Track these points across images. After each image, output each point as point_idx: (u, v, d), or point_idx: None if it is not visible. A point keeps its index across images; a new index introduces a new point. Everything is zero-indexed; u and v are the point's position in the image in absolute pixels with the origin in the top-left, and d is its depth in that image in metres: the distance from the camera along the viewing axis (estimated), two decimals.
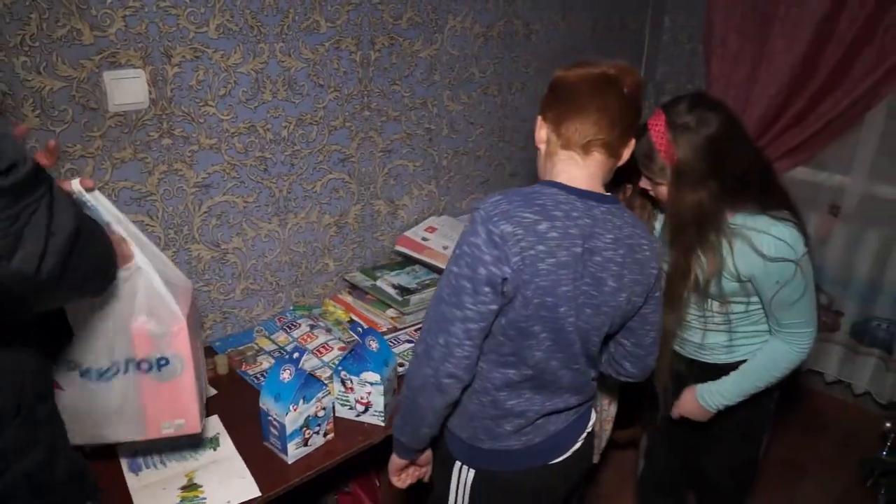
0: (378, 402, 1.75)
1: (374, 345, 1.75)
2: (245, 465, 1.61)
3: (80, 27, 1.59)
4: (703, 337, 1.83)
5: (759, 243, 1.61)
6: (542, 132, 1.39)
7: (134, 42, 1.69)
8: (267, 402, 1.61)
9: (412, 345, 2.11)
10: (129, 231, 1.29)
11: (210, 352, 2.02)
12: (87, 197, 1.22)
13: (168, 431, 1.40)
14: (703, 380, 1.87)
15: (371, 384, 1.73)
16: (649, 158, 1.63)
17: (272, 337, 2.13)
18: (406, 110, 2.39)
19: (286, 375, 1.60)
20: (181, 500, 1.51)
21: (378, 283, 2.29)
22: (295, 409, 1.58)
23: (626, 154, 1.38)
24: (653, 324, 1.49)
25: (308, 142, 2.13)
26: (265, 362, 2.01)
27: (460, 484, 1.50)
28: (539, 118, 1.41)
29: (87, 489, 1.18)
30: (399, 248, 2.48)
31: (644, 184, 1.73)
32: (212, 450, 1.67)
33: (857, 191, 2.97)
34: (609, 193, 1.38)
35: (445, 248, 2.39)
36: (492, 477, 1.48)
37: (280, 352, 2.05)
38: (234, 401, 1.85)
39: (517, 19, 2.66)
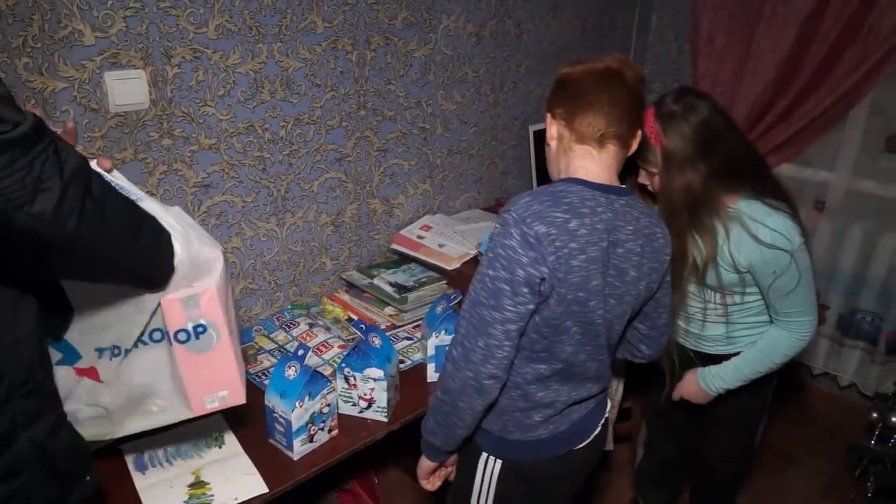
0: (381, 398, 1.77)
1: (377, 341, 1.77)
2: (251, 462, 1.63)
3: (82, 28, 1.59)
4: (703, 328, 1.88)
5: (755, 230, 1.66)
6: (554, 129, 1.42)
7: (135, 43, 1.69)
8: (272, 400, 1.62)
9: (411, 342, 2.13)
10: (149, 207, 1.27)
11: None
12: (108, 177, 1.22)
13: (212, 405, 1.37)
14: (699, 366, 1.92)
15: (374, 380, 1.74)
16: (643, 148, 1.67)
17: (271, 336, 2.14)
18: (401, 110, 2.41)
19: (291, 372, 1.61)
20: (189, 498, 1.51)
21: (375, 281, 2.31)
22: (300, 406, 1.60)
23: (634, 145, 1.42)
24: (665, 306, 1.55)
25: (305, 141, 2.14)
26: (265, 361, 2.02)
27: (486, 475, 1.52)
28: (548, 116, 1.43)
29: (86, 463, 1.19)
30: (395, 246, 2.50)
31: (642, 178, 1.77)
32: (217, 447, 1.68)
33: (842, 186, 3.02)
34: (624, 185, 1.42)
35: (441, 245, 2.42)
36: (518, 466, 1.51)
37: (280, 350, 2.07)
38: None
39: (509, 19, 2.69)
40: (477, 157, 2.80)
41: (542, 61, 2.90)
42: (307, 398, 1.61)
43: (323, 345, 2.07)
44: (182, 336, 1.28)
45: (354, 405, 1.80)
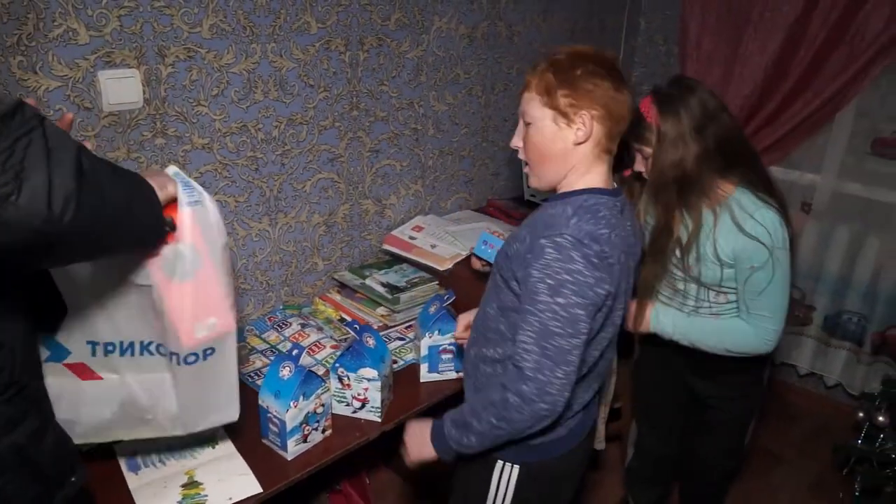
0: (375, 398, 1.77)
1: (370, 341, 1.78)
2: (245, 463, 1.62)
3: (76, 27, 1.59)
4: None
5: (741, 220, 1.68)
6: (584, 129, 1.33)
7: (129, 42, 1.69)
8: (266, 400, 1.62)
9: (403, 342, 2.13)
10: None
11: None
12: None
13: (203, 335, 1.32)
14: (692, 368, 1.95)
15: (368, 380, 1.75)
16: (641, 128, 1.70)
17: (263, 336, 2.14)
18: (393, 111, 2.41)
19: (286, 372, 1.61)
20: (183, 498, 1.51)
21: (367, 281, 2.31)
22: (295, 406, 1.60)
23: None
24: (633, 285, 1.56)
25: (298, 141, 2.14)
26: (258, 361, 2.02)
27: (502, 482, 1.51)
28: (578, 112, 1.32)
29: (72, 464, 1.19)
30: (387, 246, 2.50)
31: (638, 164, 1.78)
32: (210, 447, 1.67)
33: (828, 188, 3.05)
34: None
35: (433, 246, 2.42)
36: (534, 469, 1.50)
37: (272, 350, 2.06)
38: None
39: (500, 21, 2.70)
40: (468, 158, 2.81)
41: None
42: (301, 398, 1.61)
43: (315, 345, 2.07)
44: (160, 262, 1.24)
45: (348, 405, 1.80)
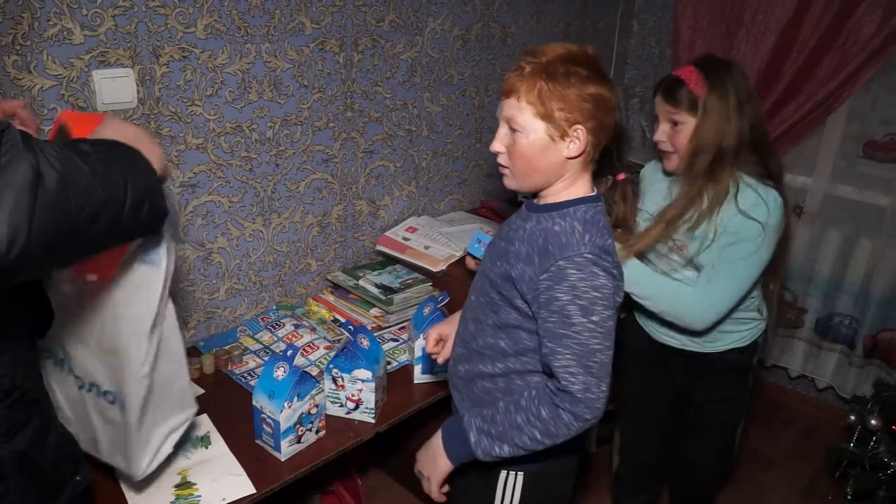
0: (369, 399, 1.77)
1: (365, 342, 1.78)
2: (238, 463, 1.62)
3: (71, 26, 1.59)
4: None
5: (745, 198, 1.70)
6: (578, 143, 1.30)
7: (123, 41, 1.69)
8: (261, 400, 1.62)
9: (397, 343, 2.13)
10: None
11: (195, 351, 2.02)
12: None
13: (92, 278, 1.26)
14: (686, 369, 1.95)
15: (362, 381, 1.75)
16: (676, 88, 1.72)
17: (256, 336, 2.13)
18: (387, 111, 2.42)
19: (280, 373, 1.61)
20: (176, 498, 1.51)
21: (361, 282, 2.31)
22: (289, 407, 1.59)
23: None
24: None
25: (293, 142, 2.14)
26: (251, 361, 2.02)
27: (507, 490, 1.49)
28: (572, 126, 1.29)
29: (76, 463, 1.18)
30: (380, 247, 2.50)
31: (661, 134, 1.79)
32: (203, 448, 1.67)
33: (820, 191, 3.06)
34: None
35: (427, 247, 2.42)
36: (536, 473, 1.48)
37: (266, 351, 2.06)
38: (222, 400, 1.85)
39: (494, 22, 2.71)
40: (462, 159, 2.81)
41: None
42: (296, 399, 1.61)
43: (309, 346, 2.07)
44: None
45: (342, 406, 1.80)
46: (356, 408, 1.79)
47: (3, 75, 1.51)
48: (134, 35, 1.70)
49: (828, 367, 3.23)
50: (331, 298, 2.33)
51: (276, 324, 2.18)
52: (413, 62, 2.44)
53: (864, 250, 3.01)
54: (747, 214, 1.68)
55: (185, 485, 1.55)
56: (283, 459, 1.64)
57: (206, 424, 1.74)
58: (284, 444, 1.62)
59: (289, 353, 1.65)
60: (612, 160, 1.72)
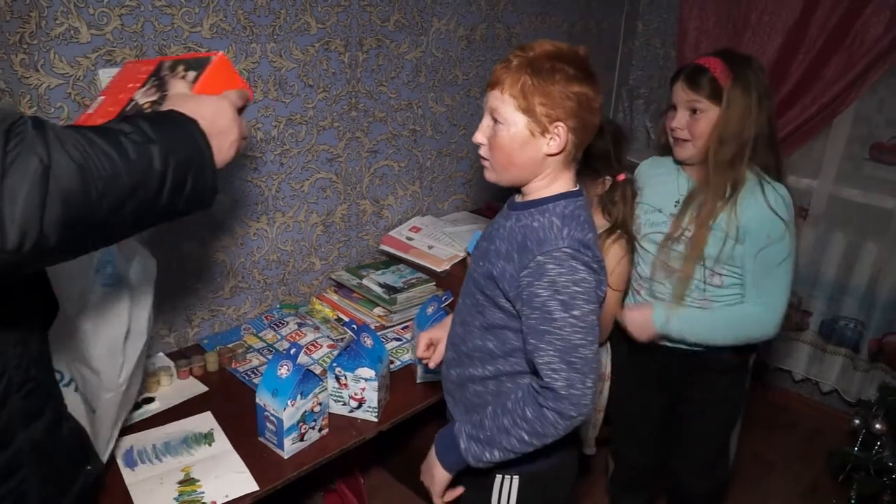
0: (372, 398, 1.77)
1: (368, 341, 1.78)
2: (241, 460, 1.63)
3: (78, 25, 1.59)
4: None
5: (764, 190, 1.72)
6: (558, 140, 1.30)
7: (129, 40, 1.70)
8: (264, 398, 1.63)
9: (400, 343, 2.13)
10: None
11: (199, 349, 2.03)
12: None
13: None
14: (680, 369, 1.94)
15: (366, 380, 1.75)
16: (699, 75, 1.72)
17: (260, 335, 2.14)
18: (392, 111, 2.42)
19: (283, 371, 1.61)
20: (179, 495, 1.51)
21: (364, 281, 2.31)
22: (292, 405, 1.60)
23: None
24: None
25: (297, 141, 2.15)
26: (254, 359, 2.02)
27: (503, 495, 1.49)
28: (552, 122, 1.28)
29: (87, 454, 1.19)
30: (384, 247, 2.51)
31: (677, 120, 1.78)
32: (207, 445, 1.68)
33: (825, 194, 3.06)
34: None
35: (430, 247, 2.43)
36: (532, 476, 1.48)
37: (269, 349, 2.07)
38: (226, 397, 1.85)
39: (499, 23, 2.71)
40: (466, 159, 2.82)
41: None
42: (299, 397, 1.61)
43: (312, 344, 2.07)
44: None
45: (345, 405, 1.80)
46: (359, 406, 1.80)
47: (11, 73, 1.52)
48: (140, 34, 1.71)
49: (832, 371, 3.22)
50: (334, 297, 2.34)
51: (280, 322, 2.19)
52: (418, 62, 2.45)
53: (869, 253, 3.00)
54: (771, 207, 1.70)
55: (188, 481, 1.56)
56: (285, 457, 1.64)
57: (209, 422, 1.75)
58: (287, 441, 1.63)
59: (292, 351, 1.65)
60: (611, 161, 1.73)
